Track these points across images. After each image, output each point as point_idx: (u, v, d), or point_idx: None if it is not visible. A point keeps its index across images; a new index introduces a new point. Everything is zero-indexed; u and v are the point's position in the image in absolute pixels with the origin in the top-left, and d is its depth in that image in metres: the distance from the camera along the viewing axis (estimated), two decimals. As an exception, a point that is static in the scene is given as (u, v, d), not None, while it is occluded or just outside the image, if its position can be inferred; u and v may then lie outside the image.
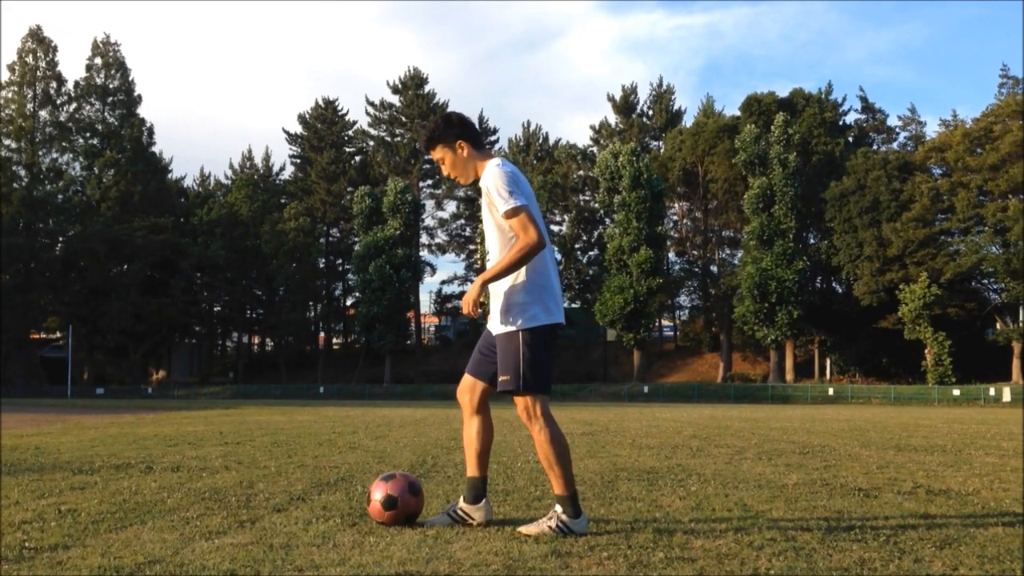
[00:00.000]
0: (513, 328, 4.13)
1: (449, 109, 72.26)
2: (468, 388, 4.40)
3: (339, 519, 4.41)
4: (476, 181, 4.28)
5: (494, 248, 4.23)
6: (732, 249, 71.29)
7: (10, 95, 64.42)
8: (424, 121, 75.67)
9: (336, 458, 8.04)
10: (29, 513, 4.57)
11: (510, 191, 4.03)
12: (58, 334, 71.78)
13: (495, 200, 4.07)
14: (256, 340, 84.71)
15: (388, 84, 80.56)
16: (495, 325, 4.21)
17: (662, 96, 77.47)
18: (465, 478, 4.40)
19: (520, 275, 4.13)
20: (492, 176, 4.10)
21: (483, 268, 4.25)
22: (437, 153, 4.33)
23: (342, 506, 4.85)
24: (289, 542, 3.77)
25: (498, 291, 4.20)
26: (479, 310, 4.05)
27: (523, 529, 4.07)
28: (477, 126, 4.40)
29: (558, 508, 4.10)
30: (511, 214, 4.02)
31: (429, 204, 79.09)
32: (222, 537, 3.91)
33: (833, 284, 68.31)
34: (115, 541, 3.80)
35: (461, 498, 4.35)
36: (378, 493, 4.26)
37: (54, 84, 65.73)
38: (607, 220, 67.18)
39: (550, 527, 4.03)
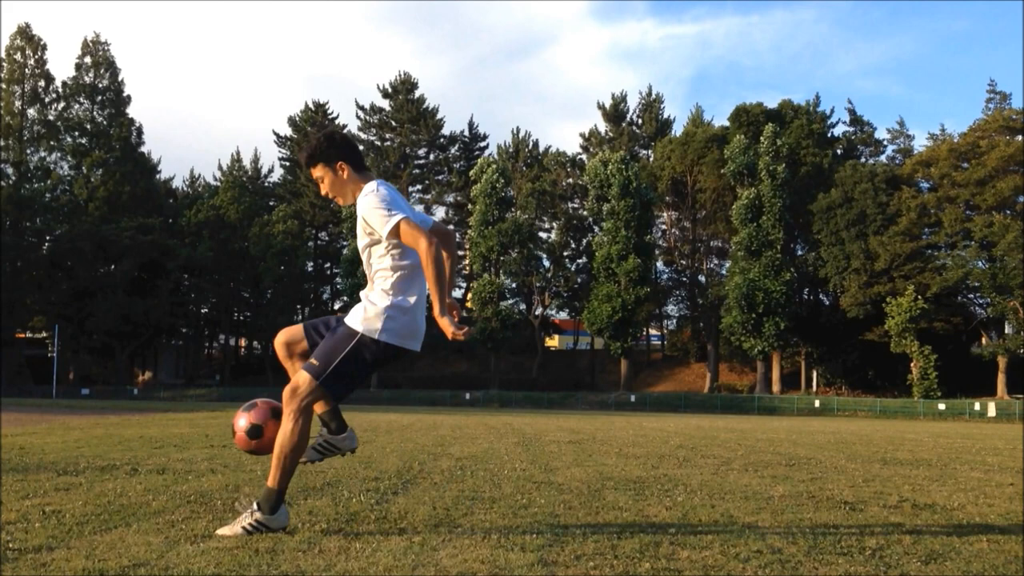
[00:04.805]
0: (359, 328, 4.08)
1: (439, 115, 72.39)
2: (295, 339, 4.32)
3: (325, 524, 4.40)
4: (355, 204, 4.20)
5: (371, 271, 4.20)
6: (720, 259, 71.47)
7: (-2, 93, 64.26)
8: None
9: (322, 463, 8.00)
10: (13, 514, 4.54)
11: (388, 209, 3.96)
12: (43, 333, 71.42)
13: (375, 226, 4.00)
14: (243, 343, 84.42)
15: (379, 88, 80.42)
16: (351, 315, 4.17)
17: (651, 105, 77.66)
18: (317, 416, 4.30)
19: (392, 289, 4.10)
20: (366, 204, 4.03)
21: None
22: (317, 171, 4.25)
23: (328, 511, 4.83)
24: (275, 547, 3.76)
25: (373, 289, 4.17)
26: (463, 328, 3.95)
27: (220, 531, 4.08)
28: (357, 147, 4.35)
29: (255, 505, 4.10)
30: (394, 232, 3.94)
31: (418, 209, 78.90)
32: (207, 541, 3.89)
33: (820, 296, 68.56)
34: (100, 543, 3.78)
35: (325, 431, 4.30)
36: (242, 422, 4.22)
37: (42, 82, 65.54)
38: (596, 228, 67.28)
39: (243, 527, 4.04)
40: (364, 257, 4.20)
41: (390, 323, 4.08)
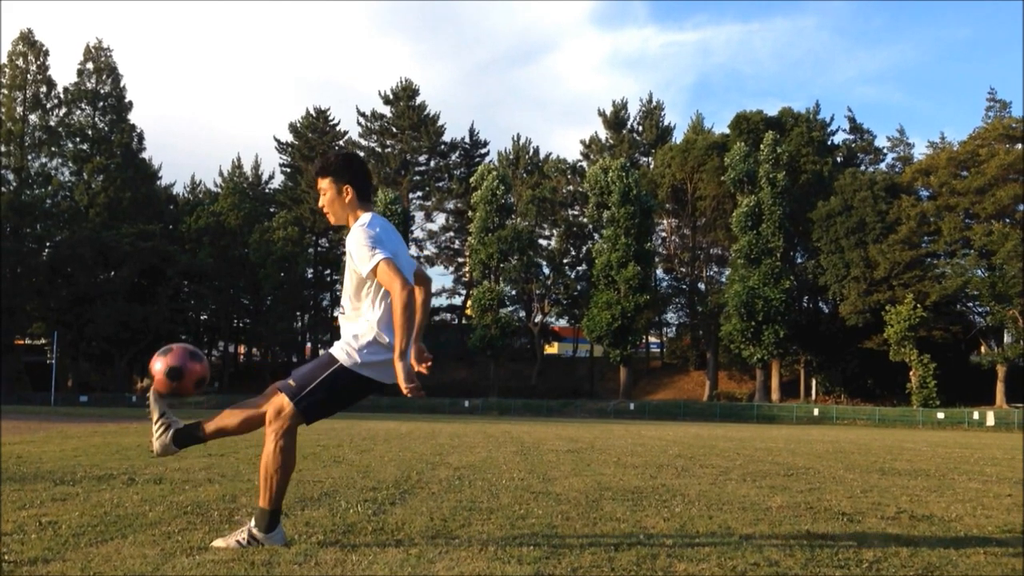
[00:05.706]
0: (341, 358, 4.09)
1: (440, 121, 72.27)
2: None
3: (322, 535, 4.39)
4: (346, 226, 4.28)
5: (347, 297, 4.22)
6: (720, 267, 71.48)
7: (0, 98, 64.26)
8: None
9: (320, 472, 8.00)
10: (9, 525, 4.53)
11: (372, 248, 4.00)
12: (42, 340, 71.32)
13: (357, 263, 4.06)
14: (242, 350, 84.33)
15: (380, 95, 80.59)
16: (335, 346, 4.17)
17: (652, 112, 77.74)
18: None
19: (375, 324, 4.10)
20: (354, 238, 4.10)
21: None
22: (323, 184, 4.32)
23: (325, 522, 4.83)
24: (271, 559, 3.75)
25: (357, 320, 4.17)
26: (412, 384, 3.90)
27: (215, 543, 4.09)
28: (371, 177, 4.41)
29: (251, 521, 4.12)
30: (372, 273, 3.99)
31: (419, 216, 79.15)
32: (203, 553, 3.89)
33: (819, 304, 68.55)
34: (95, 555, 3.77)
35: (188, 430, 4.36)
36: (159, 365, 4.22)
37: (44, 88, 65.49)
38: (596, 235, 67.27)
39: (238, 541, 4.05)
40: (353, 288, 4.22)
41: (371, 357, 4.10)
